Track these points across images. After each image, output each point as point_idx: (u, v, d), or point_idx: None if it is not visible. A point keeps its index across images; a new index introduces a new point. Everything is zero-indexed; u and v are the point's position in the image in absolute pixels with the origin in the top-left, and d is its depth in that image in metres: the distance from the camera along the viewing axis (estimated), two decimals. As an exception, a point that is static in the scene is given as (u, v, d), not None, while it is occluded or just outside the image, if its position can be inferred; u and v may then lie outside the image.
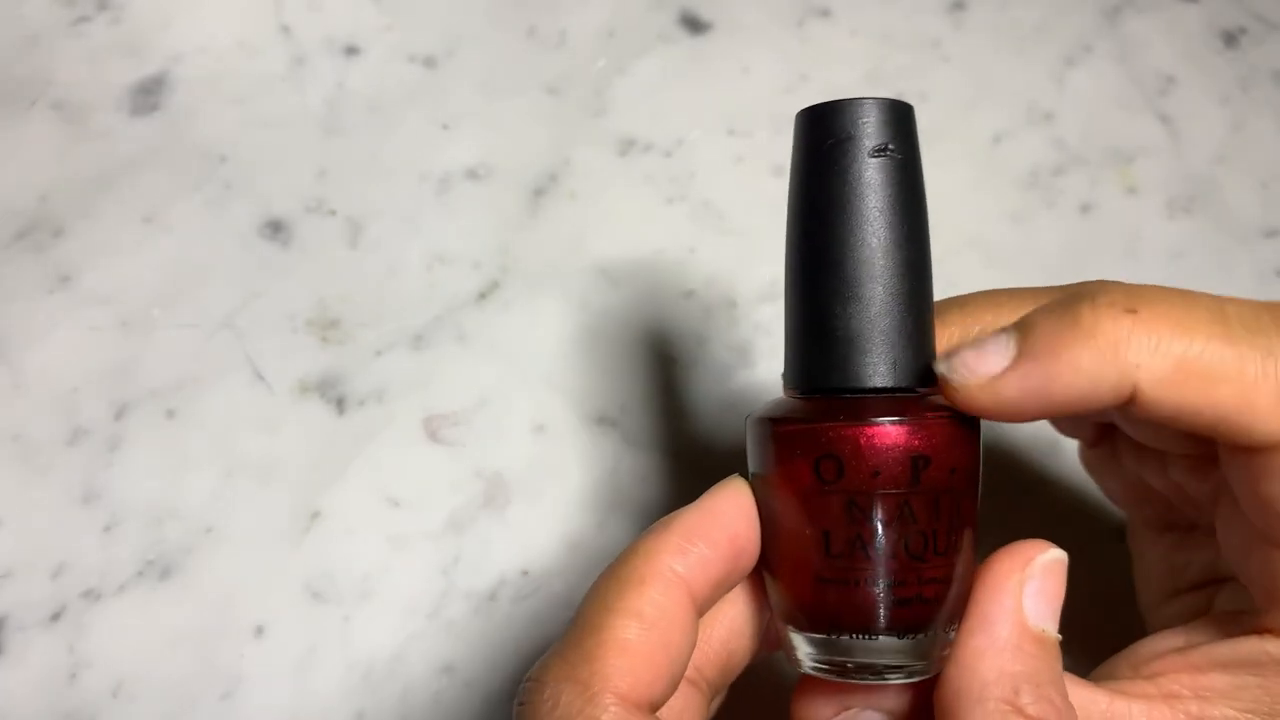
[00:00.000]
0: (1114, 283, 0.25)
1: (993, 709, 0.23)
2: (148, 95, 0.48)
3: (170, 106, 0.48)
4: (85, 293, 0.44)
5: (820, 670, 0.25)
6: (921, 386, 0.25)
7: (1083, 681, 0.26)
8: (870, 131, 0.25)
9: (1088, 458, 0.35)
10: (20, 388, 0.42)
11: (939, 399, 0.25)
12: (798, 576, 0.25)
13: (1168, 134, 0.49)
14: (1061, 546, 0.26)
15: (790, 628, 0.26)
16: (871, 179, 0.25)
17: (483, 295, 0.44)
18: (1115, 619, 0.32)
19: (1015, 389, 0.24)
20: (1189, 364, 0.23)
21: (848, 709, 0.27)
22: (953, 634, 0.25)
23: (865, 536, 0.24)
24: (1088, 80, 0.50)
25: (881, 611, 0.24)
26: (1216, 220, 0.47)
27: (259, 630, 0.38)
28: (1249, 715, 0.25)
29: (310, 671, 0.38)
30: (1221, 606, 0.29)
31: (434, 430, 0.42)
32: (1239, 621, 0.27)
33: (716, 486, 0.26)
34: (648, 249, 0.45)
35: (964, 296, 0.29)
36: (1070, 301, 0.24)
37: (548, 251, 0.45)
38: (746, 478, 0.27)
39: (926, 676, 0.25)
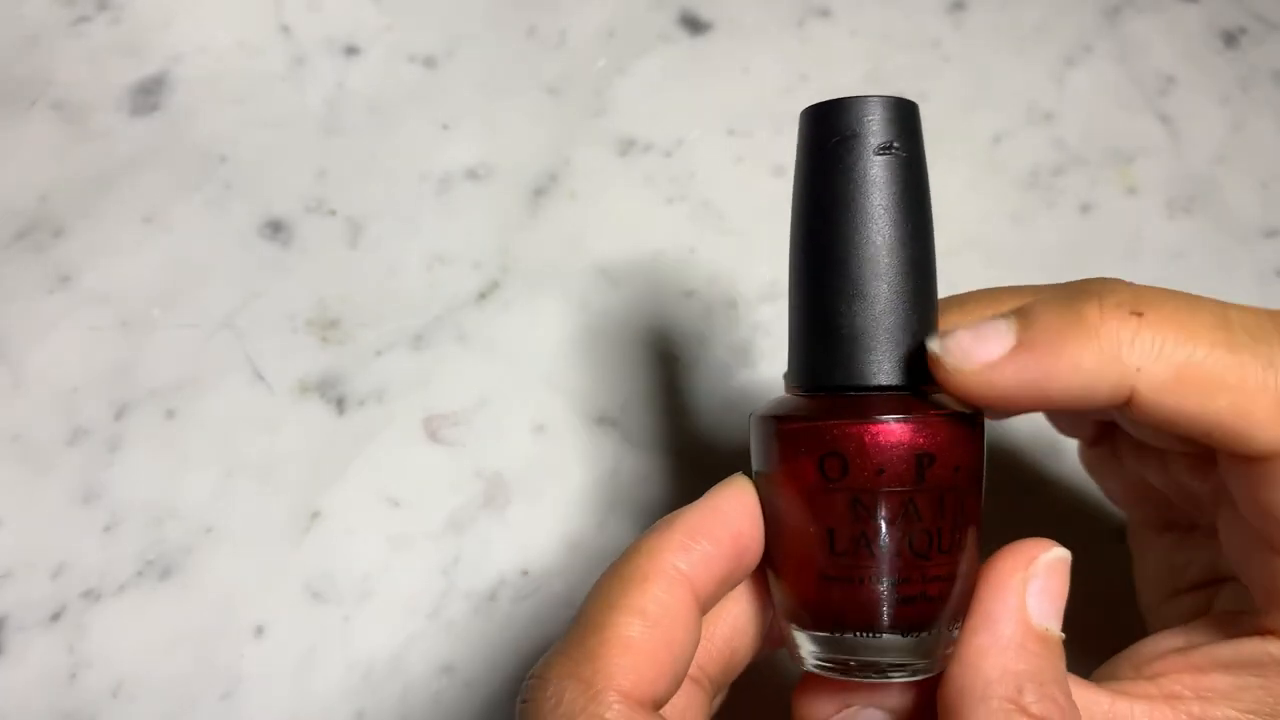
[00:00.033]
0: (1119, 281, 0.25)
1: (996, 707, 0.23)
2: (148, 95, 0.48)
3: (170, 106, 0.48)
4: (85, 293, 0.44)
5: (824, 668, 0.25)
6: (926, 384, 0.25)
7: (1084, 682, 0.26)
8: (875, 129, 0.25)
9: (1087, 457, 0.35)
10: (20, 388, 0.42)
11: (943, 397, 0.25)
12: (802, 574, 0.25)
13: (1168, 134, 0.49)
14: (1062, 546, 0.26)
15: (794, 626, 0.26)
16: (876, 177, 0.25)
17: (483, 295, 0.44)
18: (1115, 619, 0.32)
19: (1010, 379, 0.24)
20: (1190, 371, 0.23)
21: (849, 706, 0.27)
22: (956, 632, 0.25)
23: (869, 534, 0.24)
24: (1088, 80, 0.50)
25: (885, 609, 0.24)
26: (1216, 220, 0.47)
27: (259, 630, 0.38)
28: (1251, 716, 0.25)
29: (310, 671, 0.38)
30: (1222, 606, 0.29)
31: (434, 430, 0.42)
32: (1240, 622, 0.27)
33: (720, 485, 0.26)
34: (648, 249, 0.45)
35: (964, 295, 0.29)
36: (1075, 297, 0.24)
37: (548, 251, 0.45)
38: (749, 476, 0.27)
39: (930, 675, 0.25)
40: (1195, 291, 0.25)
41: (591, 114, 0.49)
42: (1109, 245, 0.46)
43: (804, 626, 0.25)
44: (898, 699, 0.26)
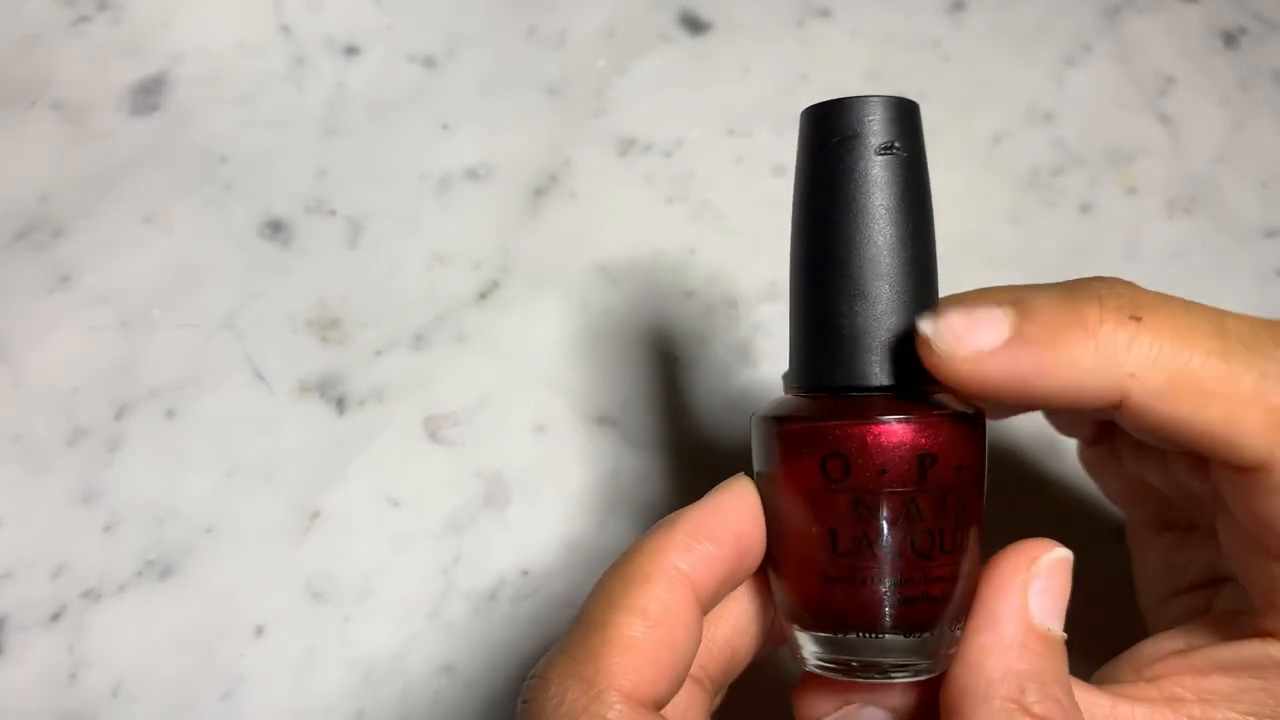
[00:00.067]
0: (1122, 281, 0.25)
1: (998, 707, 0.23)
2: (148, 95, 0.48)
3: (170, 106, 0.48)
4: (85, 293, 0.43)
5: (825, 669, 0.25)
6: (927, 385, 0.25)
7: (1085, 685, 0.26)
8: (876, 129, 0.25)
9: (1087, 457, 0.35)
10: (20, 388, 0.42)
11: (945, 397, 0.25)
12: (804, 575, 0.25)
13: (1168, 134, 0.49)
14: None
15: (795, 626, 0.26)
16: (877, 177, 0.25)
17: (483, 295, 0.44)
18: (1115, 619, 0.32)
19: (1002, 371, 0.24)
20: (1183, 378, 0.23)
21: (849, 705, 0.27)
22: (958, 632, 0.25)
23: (872, 535, 0.24)
24: (1088, 80, 0.50)
25: (887, 610, 0.24)
26: (1216, 220, 0.47)
27: (259, 630, 0.38)
28: (1252, 718, 0.25)
29: (310, 671, 0.38)
30: (1222, 606, 0.29)
31: (434, 430, 0.42)
32: (1240, 623, 0.27)
33: (722, 485, 0.26)
34: (648, 249, 0.45)
35: (963, 294, 0.28)
36: (1075, 295, 0.24)
37: (548, 251, 0.45)
38: (750, 476, 0.27)
39: (932, 675, 0.25)
40: (1195, 292, 0.25)
41: (591, 114, 0.49)
42: (1109, 245, 0.46)
43: (806, 627, 0.25)
44: (899, 698, 0.26)
